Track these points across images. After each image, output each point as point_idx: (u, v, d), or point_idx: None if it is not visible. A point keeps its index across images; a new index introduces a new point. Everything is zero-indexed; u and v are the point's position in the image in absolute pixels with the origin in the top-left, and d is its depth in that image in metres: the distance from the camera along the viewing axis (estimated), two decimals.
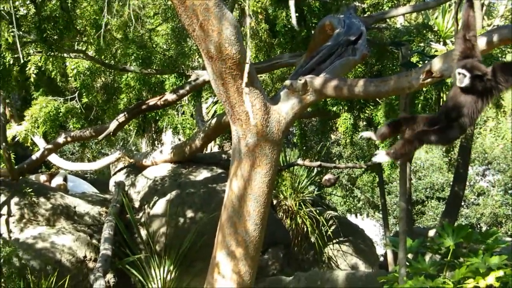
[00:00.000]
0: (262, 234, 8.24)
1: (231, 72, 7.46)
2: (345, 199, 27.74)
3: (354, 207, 28.39)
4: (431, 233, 18.13)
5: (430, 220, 27.37)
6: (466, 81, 6.06)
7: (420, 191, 27.54)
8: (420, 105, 12.85)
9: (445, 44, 14.10)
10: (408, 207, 15.78)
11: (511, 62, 6.17)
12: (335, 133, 20.13)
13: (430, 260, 7.91)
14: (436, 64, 6.87)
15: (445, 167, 27.24)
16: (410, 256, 8.15)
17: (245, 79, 7.50)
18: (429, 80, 7.00)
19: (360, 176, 26.13)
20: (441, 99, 14.01)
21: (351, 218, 27.03)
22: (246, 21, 8.24)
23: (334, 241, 17.11)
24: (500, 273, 6.97)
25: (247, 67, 7.37)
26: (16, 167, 14.76)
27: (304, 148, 16.23)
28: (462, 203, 25.93)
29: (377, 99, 13.05)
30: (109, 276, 13.55)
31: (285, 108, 8.04)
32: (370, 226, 29.24)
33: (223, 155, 17.36)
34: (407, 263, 7.64)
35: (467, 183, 26.06)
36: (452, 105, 6.22)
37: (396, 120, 6.88)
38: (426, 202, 27.90)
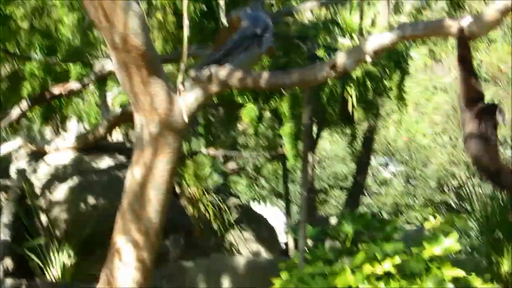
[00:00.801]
0: (163, 220, 8.26)
1: (136, 62, 7.46)
2: (250, 188, 28.00)
3: (259, 195, 28.68)
4: (333, 220, 18.53)
5: (333, 209, 27.94)
6: None
7: (324, 180, 28.05)
8: (325, 98, 13.12)
9: (351, 38, 14.39)
10: (310, 196, 16.07)
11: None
12: (241, 123, 20.31)
13: (330, 247, 8.14)
14: (341, 59, 7.07)
15: (349, 158, 27.83)
16: (310, 243, 8.36)
17: (180, 78, 7.57)
18: (333, 73, 7.21)
19: (265, 165, 26.43)
20: (345, 91, 14.30)
21: (256, 206, 27.30)
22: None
23: (236, 228, 17.31)
24: (397, 259, 7.23)
25: (182, 66, 7.39)
26: None
27: (210, 137, 16.31)
28: (365, 193, 26.65)
29: (283, 91, 13.24)
30: (8, 262, 13.39)
31: (190, 99, 8.11)
32: (274, 214, 29.58)
33: (127, 143, 17.27)
34: (307, 250, 7.84)
35: (371, 173, 26.76)
36: None
37: None
38: (330, 191, 28.45)
